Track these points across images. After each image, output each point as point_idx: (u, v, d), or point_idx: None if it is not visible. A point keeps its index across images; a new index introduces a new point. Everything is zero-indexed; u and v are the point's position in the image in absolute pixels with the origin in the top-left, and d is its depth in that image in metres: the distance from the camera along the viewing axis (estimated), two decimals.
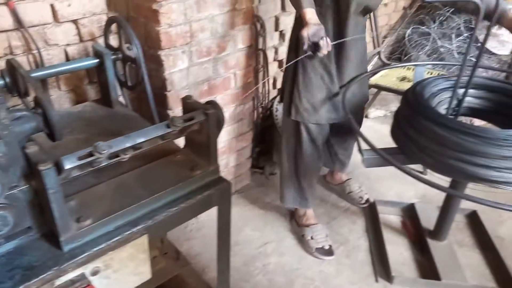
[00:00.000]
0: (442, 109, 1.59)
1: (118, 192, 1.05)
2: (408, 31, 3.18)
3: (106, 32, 1.50)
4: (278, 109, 2.70)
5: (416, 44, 3.12)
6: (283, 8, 2.43)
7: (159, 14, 1.48)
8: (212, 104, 1.09)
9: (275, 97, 2.74)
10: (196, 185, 1.10)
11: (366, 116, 3.15)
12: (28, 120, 1.02)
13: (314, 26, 1.47)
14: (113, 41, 1.53)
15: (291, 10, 2.48)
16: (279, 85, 2.75)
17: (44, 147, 0.94)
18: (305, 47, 1.46)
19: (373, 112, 3.15)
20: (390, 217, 2.17)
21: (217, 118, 1.08)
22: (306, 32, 1.46)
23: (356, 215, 2.20)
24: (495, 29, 3.17)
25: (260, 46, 2.37)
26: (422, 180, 1.24)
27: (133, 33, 1.37)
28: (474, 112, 1.69)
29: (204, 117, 1.03)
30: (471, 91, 1.63)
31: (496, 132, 1.31)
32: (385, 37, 3.35)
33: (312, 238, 1.98)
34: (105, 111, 1.49)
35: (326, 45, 1.46)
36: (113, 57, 1.44)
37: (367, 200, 2.24)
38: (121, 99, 1.62)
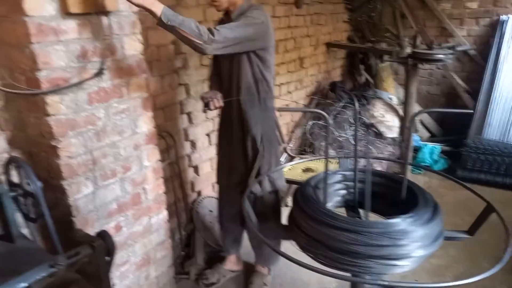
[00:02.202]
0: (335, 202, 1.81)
1: None
2: (308, 126, 3.59)
3: (6, 170, 1.58)
4: (199, 211, 2.82)
5: (318, 136, 3.51)
6: (190, 121, 2.69)
7: (58, 149, 1.61)
8: (101, 235, 1.19)
9: (194, 200, 2.88)
10: None
11: (286, 205, 3.35)
12: None
13: (210, 92, 2.12)
14: (16, 175, 1.61)
15: (198, 122, 2.76)
16: (197, 188, 2.91)
17: None
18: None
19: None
20: None
21: (106, 248, 1.17)
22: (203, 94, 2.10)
23: None
24: (381, 117, 3.68)
25: (172, 157, 2.56)
26: (319, 271, 1.38)
27: (31, 171, 1.46)
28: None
29: (90, 251, 1.11)
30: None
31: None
32: (292, 131, 3.73)
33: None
34: (7, 247, 1.50)
35: (215, 103, 2.04)
36: (12, 194, 1.51)
37: None
38: (26, 231, 1.65)
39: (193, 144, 2.78)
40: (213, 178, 2.91)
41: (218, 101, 2.06)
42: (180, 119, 2.64)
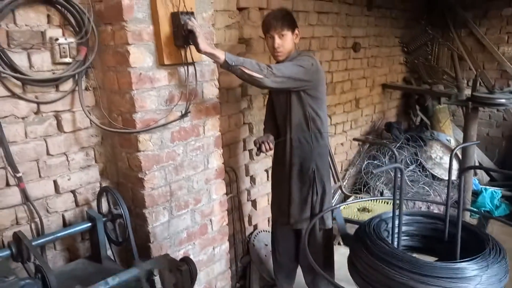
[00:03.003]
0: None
1: None
2: (363, 165, 3.64)
3: (99, 199, 1.80)
4: (255, 244, 2.93)
5: (373, 175, 3.54)
6: (251, 157, 2.85)
7: (144, 181, 1.81)
8: (186, 260, 1.33)
9: (251, 233, 2.99)
10: None
11: (339, 243, 3.37)
12: (30, 287, 1.24)
13: (263, 136, 2.32)
14: (104, 202, 1.83)
15: (258, 158, 2.91)
16: (254, 221, 3.03)
17: None
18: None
19: None
20: None
21: (190, 273, 1.31)
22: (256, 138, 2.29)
23: None
24: (438, 159, 3.65)
25: (233, 191, 2.72)
26: None
27: (122, 199, 1.67)
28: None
29: (178, 274, 1.26)
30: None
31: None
32: (346, 170, 3.79)
33: None
34: (95, 267, 1.70)
35: (266, 146, 2.22)
36: (104, 219, 1.71)
37: None
38: (109, 252, 1.84)
39: (253, 179, 2.93)
40: (269, 212, 3.03)
41: (269, 143, 2.24)
42: (242, 155, 2.81)
